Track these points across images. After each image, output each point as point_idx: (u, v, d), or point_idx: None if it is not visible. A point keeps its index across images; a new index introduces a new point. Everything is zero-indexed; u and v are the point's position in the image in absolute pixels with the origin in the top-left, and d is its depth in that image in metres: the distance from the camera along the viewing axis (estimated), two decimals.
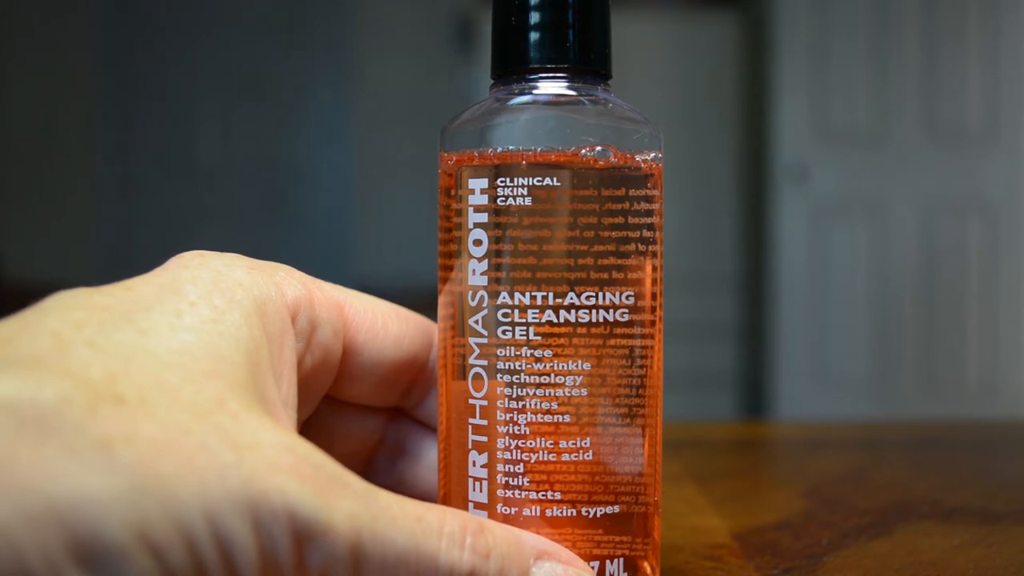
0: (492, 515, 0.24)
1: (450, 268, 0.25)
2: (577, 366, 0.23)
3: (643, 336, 0.24)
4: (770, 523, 0.34)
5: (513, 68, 0.25)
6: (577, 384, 0.23)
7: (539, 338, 0.23)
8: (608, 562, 0.24)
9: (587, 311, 0.23)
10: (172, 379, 0.18)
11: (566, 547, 0.23)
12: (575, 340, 0.23)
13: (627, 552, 0.24)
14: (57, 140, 2.51)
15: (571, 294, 0.23)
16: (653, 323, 0.24)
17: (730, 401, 2.33)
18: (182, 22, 2.55)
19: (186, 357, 0.19)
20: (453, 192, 0.25)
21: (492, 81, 0.26)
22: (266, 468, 0.17)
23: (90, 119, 2.54)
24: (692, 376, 2.20)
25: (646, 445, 0.24)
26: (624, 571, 0.24)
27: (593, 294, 0.23)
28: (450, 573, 0.19)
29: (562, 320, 0.23)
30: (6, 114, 2.46)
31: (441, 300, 0.25)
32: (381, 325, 0.26)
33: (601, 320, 0.24)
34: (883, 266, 2.11)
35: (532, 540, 0.22)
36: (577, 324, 0.23)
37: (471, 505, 0.24)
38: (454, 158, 0.25)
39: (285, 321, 0.22)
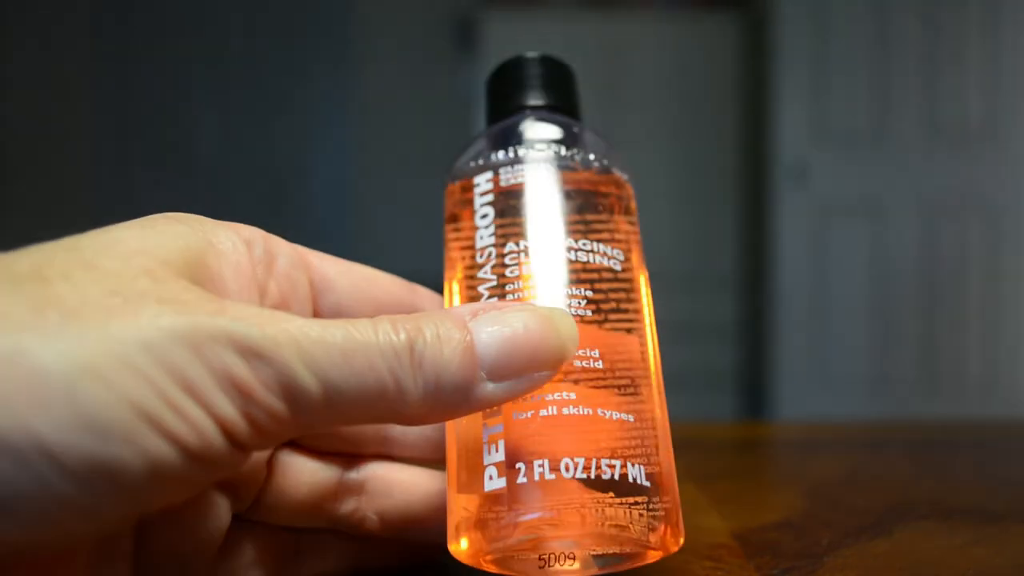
0: (508, 421, 0.23)
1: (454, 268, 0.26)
2: (580, 292, 0.24)
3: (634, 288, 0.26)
4: (770, 523, 0.34)
5: (504, 111, 0.29)
6: (582, 306, 0.24)
7: (546, 273, 0.25)
8: (630, 464, 0.23)
9: (586, 253, 0.25)
10: (98, 260, 0.18)
11: (587, 445, 0.23)
12: (579, 275, 0.25)
13: (645, 463, 0.23)
14: (56, 140, 2.51)
15: (570, 240, 0.25)
16: (642, 285, 0.26)
17: (730, 401, 2.33)
18: (182, 22, 2.55)
19: (117, 246, 0.19)
20: (460, 199, 0.27)
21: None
22: (197, 309, 0.18)
23: (89, 119, 2.54)
24: (692, 376, 2.20)
25: (639, 345, 0.25)
26: (646, 480, 0.23)
27: (588, 241, 0.25)
28: (391, 350, 0.19)
29: (564, 260, 0.25)
30: (5, 114, 2.46)
31: (447, 289, 0.26)
32: (348, 266, 0.26)
33: (597, 263, 0.25)
34: (883, 266, 2.11)
35: (465, 306, 0.21)
36: (578, 261, 0.25)
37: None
38: (459, 183, 0.27)
39: (236, 242, 0.22)
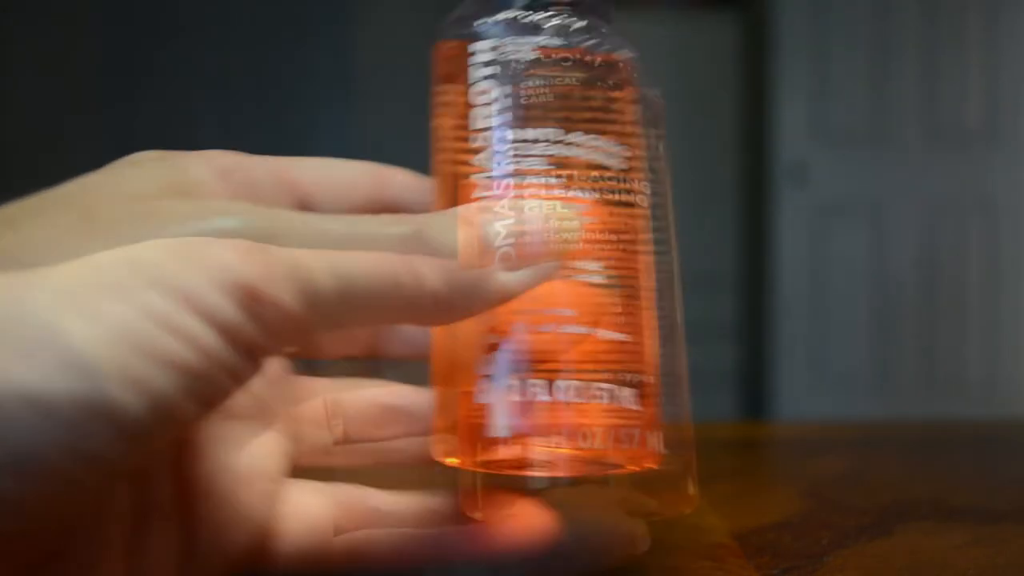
0: (504, 334, 0.23)
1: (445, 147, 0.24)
2: (584, 194, 0.23)
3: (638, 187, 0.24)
4: (770, 523, 0.34)
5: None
6: (582, 212, 0.23)
7: (549, 167, 0.23)
8: (621, 386, 0.23)
9: (587, 149, 0.23)
10: (71, 199, 0.18)
11: (581, 366, 0.22)
12: (577, 172, 0.23)
13: (637, 383, 0.23)
14: (57, 141, 2.51)
15: (576, 133, 0.23)
16: (641, 182, 0.25)
17: (730, 401, 2.33)
18: (183, 22, 2.55)
19: (98, 188, 0.19)
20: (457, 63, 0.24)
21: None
22: (185, 216, 0.18)
23: (90, 119, 2.54)
24: (692, 376, 2.19)
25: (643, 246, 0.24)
26: (636, 402, 0.23)
27: (583, 134, 0.23)
28: (399, 239, 0.19)
29: (565, 155, 0.23)
30: (6, 115, 2.46)
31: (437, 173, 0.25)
32: (327, 170, 0.24)
33: (598, 162, 0.23)
34: (883, 266, 2.11)
35: (468, 205, 0.21)
36: (579, 158, 0.23)
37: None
38: (456, 43, 0.25)
39: (212, 173, 0.21)
